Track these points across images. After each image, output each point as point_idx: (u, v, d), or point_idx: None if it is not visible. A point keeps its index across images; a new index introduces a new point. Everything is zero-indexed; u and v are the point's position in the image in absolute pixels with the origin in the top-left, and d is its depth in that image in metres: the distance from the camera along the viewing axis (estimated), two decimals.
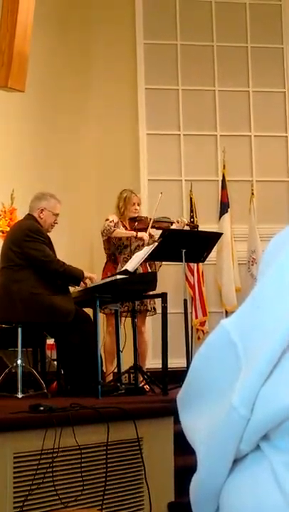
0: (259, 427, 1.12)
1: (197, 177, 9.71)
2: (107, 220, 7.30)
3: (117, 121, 9.76)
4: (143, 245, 7.19)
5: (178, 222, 7.36)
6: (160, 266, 7.56)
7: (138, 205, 7.45)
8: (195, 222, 8.66)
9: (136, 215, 7.41)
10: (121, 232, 7.25)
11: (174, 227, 7.34)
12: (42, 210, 6.45)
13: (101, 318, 6.80)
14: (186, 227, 7.45)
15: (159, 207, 7.20)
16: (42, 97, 9.30)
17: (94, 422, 4.46)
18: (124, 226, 7.37)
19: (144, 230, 7.30)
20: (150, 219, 7.34)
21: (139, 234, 7.21)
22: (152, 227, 7.34)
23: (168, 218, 7.51)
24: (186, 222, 7.49)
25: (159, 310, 6.73)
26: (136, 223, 7.37)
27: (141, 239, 7.24)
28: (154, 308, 7.30)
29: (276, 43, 10.12)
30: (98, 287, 6.14)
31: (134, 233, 7.21)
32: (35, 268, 6.15)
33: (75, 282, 6.38)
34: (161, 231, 7.19)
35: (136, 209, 7.43)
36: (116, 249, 7.33)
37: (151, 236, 7.39)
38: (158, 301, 6.68)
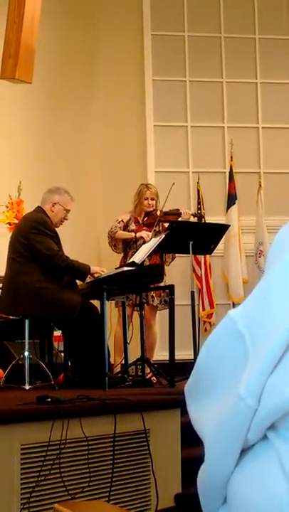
0: (266, 417, 1.11)
1: (204, 169, 9.70)
2: (117, 220, 7.37)
3: (124, 112, 9.75)
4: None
5: (183, 214, 7.36)
6: (172, 260, 7.55)
7: (152, 199, 7.44)
8: (202, 213, 8.60)
9: (150, 209, 7.42)
10: (122, 233, 7.32)
11: (180, 219, 7.34)
12: (54, 204, 6.44)
13: (111, 309, 6.82)
14: (192, 218, 7.42)
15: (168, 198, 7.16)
16: (49, 89, 9.30)
17: (101, 413, 4.47)
18: (136, 222, 7.38)
19: (152, 224, 7.31)
20: (160, 212, 7.34)
21: (138, 234, 7.25)
22: (161, 221, 7.35)
23: (177, 210, 7.49)
24: (191, 213, 7.48)
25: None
26: (146, 218, 7.38)
27: (150, 225, 7.28)
28: (166, 301, 7.29)
29: (284, 35, 10.08)
30: (105, 279, 6.14)
31: (133, 235, 7.23)
32: (39, 261, 6.14)
33: (79, 277, 6.33)
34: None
35: (149, 203, 7.42)
36: (126, 244, 7.37)
37: (164, 229, 7.40)
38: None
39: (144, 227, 7.37)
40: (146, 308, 7.07)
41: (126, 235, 7.33)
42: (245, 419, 1.12)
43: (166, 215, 7.35)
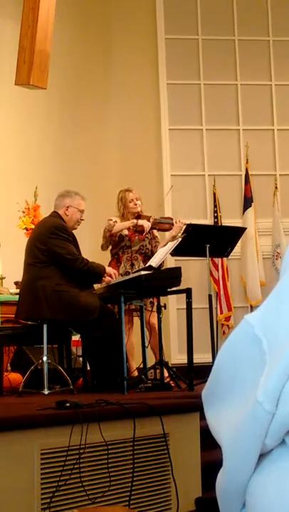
0: (284, 422, 1.11)
1: (220, 172, 9.70)
2: (109, 219, 7.30)
3: (139, 116, 9.76)
4: (145, 246, 7.23)
5: (176, 222, 7.33)
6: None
7: (137, 199, 7.39)
8: (219, 220, 8.48)
9: (137, 211, 7.35)
10: (121, 224, 7.25)
11: (174, 228, 7.29)
12: (67, 207, 6.46)
13: None
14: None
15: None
16: (64, 94, 9.33)
17: (120, 417, 4.46)
18: (127, 228, 7.32)
19: (144, 231, 7.28)
20: (152, 219, 7.30)
21: (140, 222, 7.19)
22: (153, 228, 7.33)
23: (170, 219, 7.48)
24: (185, 223, 7.30)
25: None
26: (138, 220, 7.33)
27: (142, 232, 7.23)
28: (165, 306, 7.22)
29: None
30: (122, 283, 6.14)
31: (135, 221, 7.19)
32: (59, 265, 6.16)
33: (97, 279, 6.38)
34: (162, 232, 7.26)
35: (135, 204, 7.36)
36: (119, 249, 7.32)
37: (154, 237, 7.39)
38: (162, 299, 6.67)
39: (137, 234, 7.33)
40: (149, 313, 7.03)
41: (126, 224, 7.26)
42: (263, 425, 1.12)
43: (158, 223, 7.34)
